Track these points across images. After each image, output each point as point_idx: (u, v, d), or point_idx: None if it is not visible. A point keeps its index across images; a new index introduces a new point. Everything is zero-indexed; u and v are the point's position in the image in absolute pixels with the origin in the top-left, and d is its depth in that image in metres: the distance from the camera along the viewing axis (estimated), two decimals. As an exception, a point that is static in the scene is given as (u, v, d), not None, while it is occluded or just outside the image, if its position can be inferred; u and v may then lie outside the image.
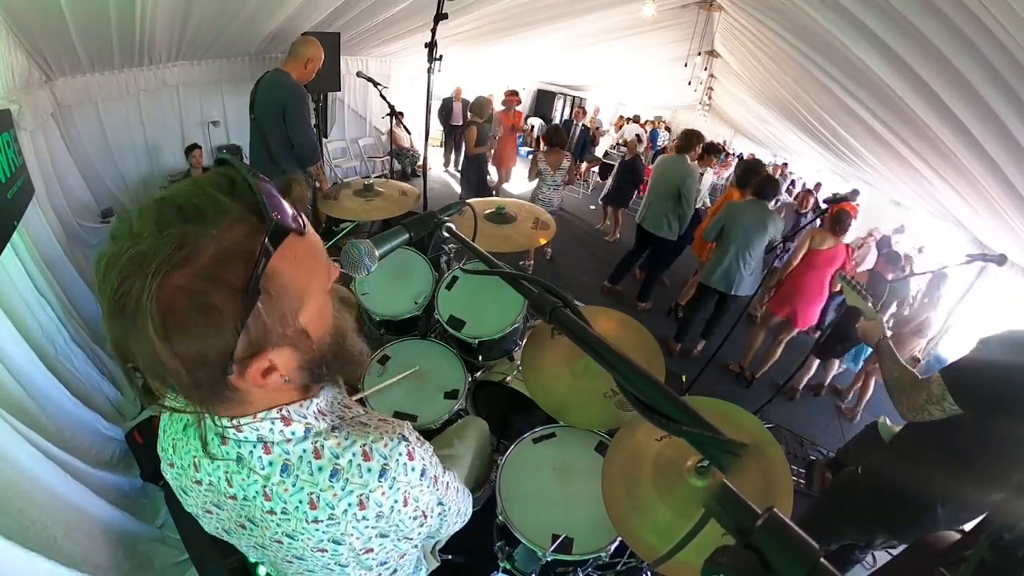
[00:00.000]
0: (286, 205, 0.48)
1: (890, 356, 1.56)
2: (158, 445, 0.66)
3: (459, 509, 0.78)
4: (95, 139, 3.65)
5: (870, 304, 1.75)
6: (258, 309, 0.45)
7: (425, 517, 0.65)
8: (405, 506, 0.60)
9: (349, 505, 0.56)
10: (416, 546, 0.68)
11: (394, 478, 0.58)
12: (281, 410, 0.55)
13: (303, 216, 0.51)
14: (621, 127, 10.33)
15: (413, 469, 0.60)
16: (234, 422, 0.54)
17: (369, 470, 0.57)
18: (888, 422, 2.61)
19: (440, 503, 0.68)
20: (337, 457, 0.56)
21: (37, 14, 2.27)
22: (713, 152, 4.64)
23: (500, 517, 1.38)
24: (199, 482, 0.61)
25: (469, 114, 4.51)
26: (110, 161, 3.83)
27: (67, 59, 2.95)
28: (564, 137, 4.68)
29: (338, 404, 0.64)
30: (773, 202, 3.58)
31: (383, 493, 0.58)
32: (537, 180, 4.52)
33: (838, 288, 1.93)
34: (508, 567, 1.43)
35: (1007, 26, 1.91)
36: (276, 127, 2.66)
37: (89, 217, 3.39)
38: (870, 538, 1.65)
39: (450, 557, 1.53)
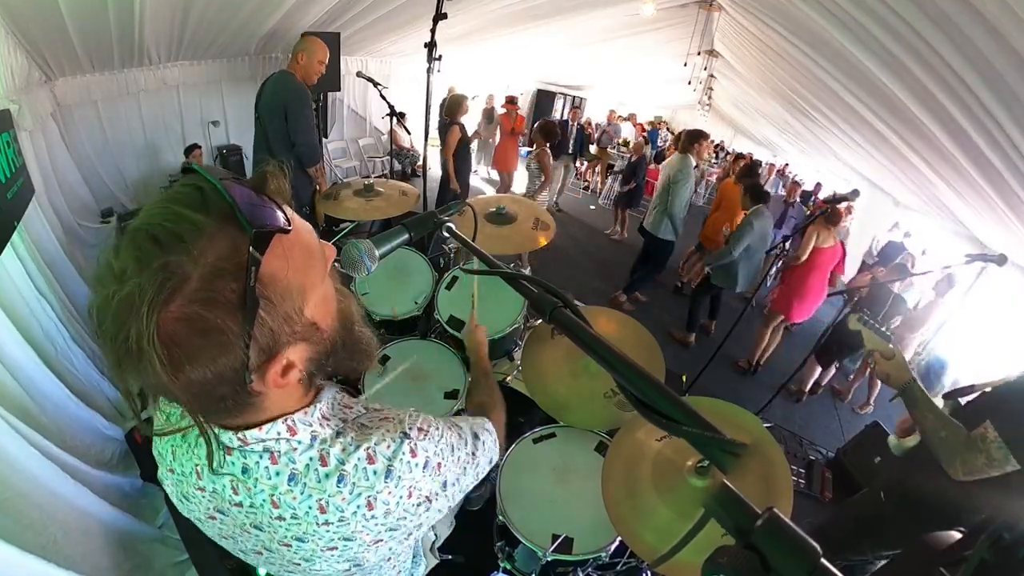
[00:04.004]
0: (266, 203, 0.46)
1: (928, 407, 1.36)
2: (154, 450, 0.65)
3: (490, 460, 0.78)
4: (95, 139, 3.65)
5: (891, 345, 1.52)
6: (261, 317, 0.44)
7: (429, 501, 0.65)
8: (409, 498, 0.61)
9: (358, 507, 0.57)
10: (420, 526, 0.67)
11: (399, 476, 0.59)
12: (286, 420, 0.55)
13: (284, 209, 0.48)
14: (611, 122, 10.27)
15: (416, 465, 0.61)
16: (240, 435, 0.53)
17: (375, 472, 0.58)
18: (897, 440, 2.52)
19: (444, 485, 0.66)
20: (343, 463, 0.57)
21: (37, 14, 2.27)
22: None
23: (500, 517, 1.38)
24: (202, 489, 0.60)
25: (442, 115, 4.22)
26: (110, 161, 3.83)
27: (67, 59, 2.95)
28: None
29: (339, 405, 0.64)
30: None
31: (389, 492, 0.58)
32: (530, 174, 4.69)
33: (850, 316, 1.69)
34: (508, 567, 1.43)
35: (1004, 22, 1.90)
36: (278, 125, 2.72)
37: (89, 217, 3.39)
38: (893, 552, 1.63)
39: (450, 557, 1.53)
